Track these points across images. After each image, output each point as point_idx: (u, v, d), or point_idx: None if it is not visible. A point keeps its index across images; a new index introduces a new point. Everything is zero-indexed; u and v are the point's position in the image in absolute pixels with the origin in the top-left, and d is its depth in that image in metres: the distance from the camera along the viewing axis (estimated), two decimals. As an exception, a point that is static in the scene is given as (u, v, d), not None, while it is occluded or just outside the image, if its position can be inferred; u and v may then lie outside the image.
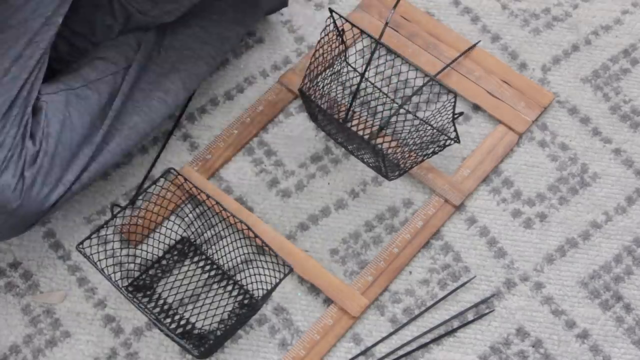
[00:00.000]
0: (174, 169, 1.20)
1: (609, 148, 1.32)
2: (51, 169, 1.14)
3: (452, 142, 1.22)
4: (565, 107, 1.35)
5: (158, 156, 1.31)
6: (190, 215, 1.24)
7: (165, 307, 1.19)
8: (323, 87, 1.29)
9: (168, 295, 1.20)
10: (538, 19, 1.42)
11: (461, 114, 1.23)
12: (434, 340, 1.18)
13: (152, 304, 1.19)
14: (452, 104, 1.18)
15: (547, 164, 1.31)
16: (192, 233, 1.24)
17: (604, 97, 1.36)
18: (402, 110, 1.31)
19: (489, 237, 1.25)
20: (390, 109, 1.32)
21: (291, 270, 1.12)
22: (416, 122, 1.28)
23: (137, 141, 1.23)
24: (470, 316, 1.20)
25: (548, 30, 1.41)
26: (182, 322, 1.18)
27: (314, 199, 1.28)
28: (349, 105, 1.26)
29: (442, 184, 1.27)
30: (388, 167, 1.22)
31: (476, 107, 1.34)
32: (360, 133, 1.28)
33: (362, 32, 1.19)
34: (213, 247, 1.23)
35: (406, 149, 1.26)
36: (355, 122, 1.31)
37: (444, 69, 1.36)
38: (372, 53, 1.20)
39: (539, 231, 1.26)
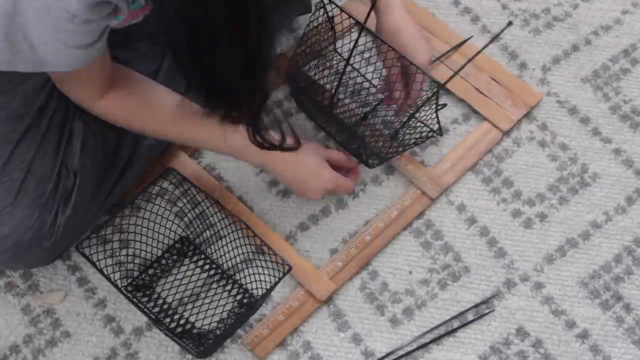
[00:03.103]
0: (174, 168, 1.20)
1: (609, 148, 1.32)
2: (82, 202, 1.14)
3: (435, 134, 1.23)
4: (565, 107, 1.35)
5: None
6: (190, 214, 1.24)
7: (165, 306, 1.19)
8: (310, 73, 1.29)
9: (167, 295, 1.20)
10: (538, 19, 1.42)
11: (444, 105, 1.24)
12: (434, 340, 1.18)
13: (152, 304, 1.19)
14: (436, 95, 1.18)
15: (547, 164, 1.31)
16: (192, 232, 1.24)
17: (604, 97, 1.36)
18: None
19: (489, 237, 1.25)
20: (375, 98, 1.33)
21: (290, 269, 1.12)
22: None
23: (155, 156, 1.23)
24: (470, 316, 1.20)
25: (548, 30, 1.41)
26: (182, 322, 1.18)
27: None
28: (334, 90, 1.26)
29: (420, 176, 1.27)
30: (368, 154, 1.22)
31: (463, 103, 1.34)
32: (345, 122, 1.28)
33: (349, 16, 1.20)
34: (212, 246, 1.23)
35: (388, 138, 1.26)
36: (340, 109, 1.31)
37: (433, 62, 1.35)
38: (358, 36, 1.20)
39: (539, 231, 1.26)
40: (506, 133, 1.32)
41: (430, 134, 1.24)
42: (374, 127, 1.30)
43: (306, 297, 1.19)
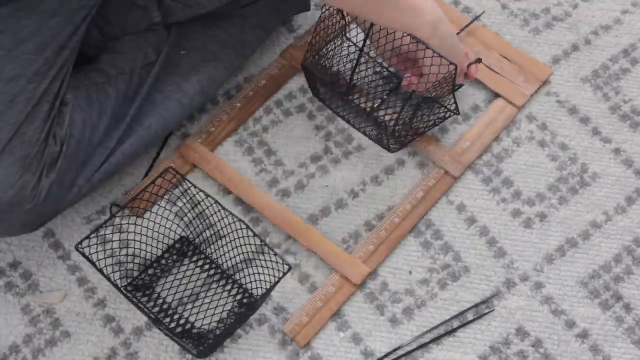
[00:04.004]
0: (174, 168, 1.20)
1: (609, 148, 1.32)
2: (68, 171, 1.14)
3: (453, 114, 1.23)
4: (565, 107, 1.35)
5: (158, 155, 1.31)
6: (190, 214, 1.24)
7: (165, 306, 1.19)
8: (325, 62, 1.29)
9: (167, 295, 1.20)
10: (538, 19, 1.42)
11: (461, 86, 1.24)
12: (434, 340, 1.18)
13: (152, 304, 1.19)
14: (453, 76, 1.18)
15: (547, 164, 1.31)
16: (192, 232, 1.24)
17: (604, 97, 1.36)
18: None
19: (489, 237, 1.25)
20: (391, 83, 1.33)
21: (290, 269, 1.12)
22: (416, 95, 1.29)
23: (149, 142, 1.23)
24: (470, 316, 1.20)
25: (548, 30, 1.41)
26: (182, 322, 1.18)
27: (314, 199, 1.28)
28: (349, 79, 1.27)
29: (442, 156, 1.28)
30: (390, 140, 1.22)
31: (476, 81, 1.35)
32: (363, 106, 1.28)
33: None
34: (212, 246, 1.23)
35: (407, 120, 1.27)
36: (357, 96, 1.31)
37: None
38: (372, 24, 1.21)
39: (539, 231, 1.26)
40: (521, 109, 1.33)
41: (449, 114, 1.24)
42: (394, 110, 1.31)
43: (342, 282, 1.20)
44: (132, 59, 1.23)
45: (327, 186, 1.29)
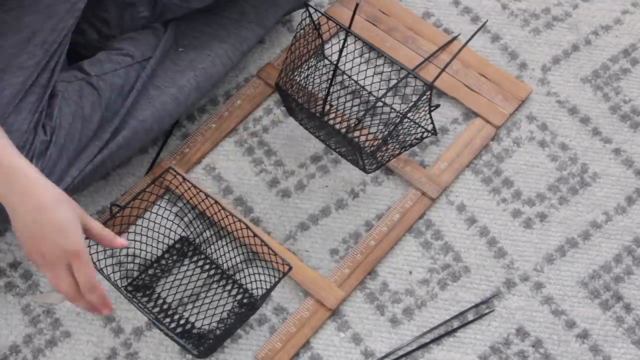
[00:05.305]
0: (174, 168, 1.20)
1: (609, 148, 1.32)
2: (58, 162, 1.15)
3: (430, 134, 1.22)
4: (565, 107, 1.35)
5: (157, 156, 1.31)
6: (190, 214, 1.24)
7: (165, 306, 1.19)
8: (300, 81, 1.29)
9: (167, 295, 1.20)
10: (538, 19, 1.42)
11: (437, 106, 1.24)
12: (434, 340, 1.18)
13: (152, 304, 1.19)
14: (429, 96, 1.18)
15: (547, 164, 1.31)
16: (192, 232, 1.24)
17: (604, 97, 1.36)
18: (379, 104, 1.32)
19: (489, 237, 1.25)
20: (367, 102, 1.33)
21: (290, 269, 1.12)
22: (393, 115, 1.28)
23: (143, 136, 1.23)
24: (470, 316, 1.20)
25: (548, 30, 1.41)
26: (182, 322, 1.18)
27: (314, 199, 1.28)
28: (324, 97, 1.26)
29: (419, 177, 1.27)
30: (366, 160, 1.22)
31: (454, 100, 1.34)
32: (338, 127, 1.28)
33: (336, 23, 1.20)
34: (212, 246, 1.23)
35: (382, 141, 1.26)
36: (332, 115, 1.31)
37: (422, 62, 1.36)
38: (344, 41, 1.21)
39: (539, 231, 1.26)
40: (500, 127, 1.32)
41: (425, 134, 1.24)
42: (369, 131, 1.30)
43: (316, 307, 1.19)
44: (128, 55, 1.23)
45: (327, 186, 1.29)
